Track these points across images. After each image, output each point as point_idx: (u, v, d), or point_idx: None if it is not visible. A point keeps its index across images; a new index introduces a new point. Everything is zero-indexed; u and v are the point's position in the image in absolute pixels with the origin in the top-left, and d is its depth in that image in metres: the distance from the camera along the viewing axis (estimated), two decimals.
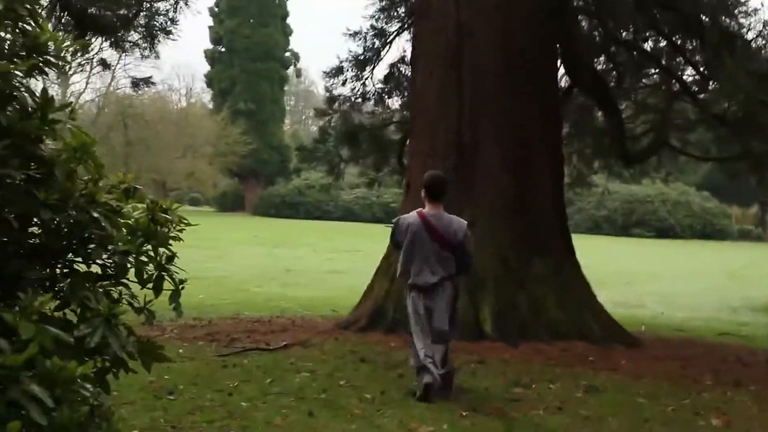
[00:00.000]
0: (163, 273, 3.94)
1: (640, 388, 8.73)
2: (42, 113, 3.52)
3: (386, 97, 14.92)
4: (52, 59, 3.61)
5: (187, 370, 8.75)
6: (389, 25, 14.72)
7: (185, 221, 4.03)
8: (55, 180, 3.55)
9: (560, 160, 12.46)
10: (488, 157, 11.33)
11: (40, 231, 3.66)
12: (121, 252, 3.77)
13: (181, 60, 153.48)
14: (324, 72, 14.83)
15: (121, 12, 12.73)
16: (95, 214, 3.63)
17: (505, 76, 11.39)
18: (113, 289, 3.87)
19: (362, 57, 14.56)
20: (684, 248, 45.00)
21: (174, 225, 4.00)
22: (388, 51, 14.46)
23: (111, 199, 3.81)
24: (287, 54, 78.04)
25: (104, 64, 13.39)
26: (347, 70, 14.73)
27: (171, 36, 13.19)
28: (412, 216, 8.22)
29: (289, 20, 77.79)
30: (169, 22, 13.08)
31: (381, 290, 11.56)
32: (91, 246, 3.72)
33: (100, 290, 3.75)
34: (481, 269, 11.05)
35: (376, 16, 14.62)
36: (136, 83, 14.91)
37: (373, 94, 15.01)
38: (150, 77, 14.90)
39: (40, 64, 3.59)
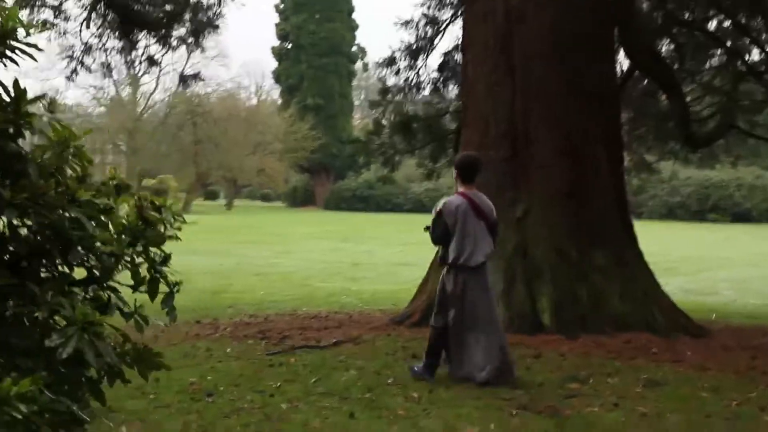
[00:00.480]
0: (156, 275, 3.69)
1: (704, 381, 8.30)
2: (15, 106, 3.31)
3: (441, 86, 14.65)
4: (23, 47, 3.38)
5: (232, 369, 8.61)
6: (441, 12, 14.43)
7: (180, 218, 3.79)
8: (27, 178, 3.34)
9: (619, 146, 12.03)
10: (542, 145, 10.99)
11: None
12: (105, 253, 3.55)
13: (251, 57, 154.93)
14: (376, 62, 14.61)
15: (167, 8, 12.62)
16: (74, 214, 3.41)
17: (558, 62, 11.03)
18: (102, 293, 3.66)
19: (415, 46, 14.28)
20: (760, 233, 43.74)
21: (171, 224, 3.77)
22: (441, 39, 14.17)
23: (99, 197, 3.59)
24: (354, 49, 77.92)
25: (151, 61, 13.27)
26: (400, 60, 14.48)
27: (217, 30, 13.08)
28: (456, 198, 8.22)
29: (354, 15, 77.66)
30: (215, 16, 12.95)
31: (435, 284, 11.27)
32: (72, 248, 3.49)
33: (83, 295, 3.54)
34: (538, 260, 10.74)
35: (428, 4, 14.35)
36: (184, 80, 14.80)
37: (428, 84, 14.75)
38: (198, 73, 14.81)
39: (7, 51, 3.37)
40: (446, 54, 14.55)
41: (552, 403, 7.36)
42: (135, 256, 3.73)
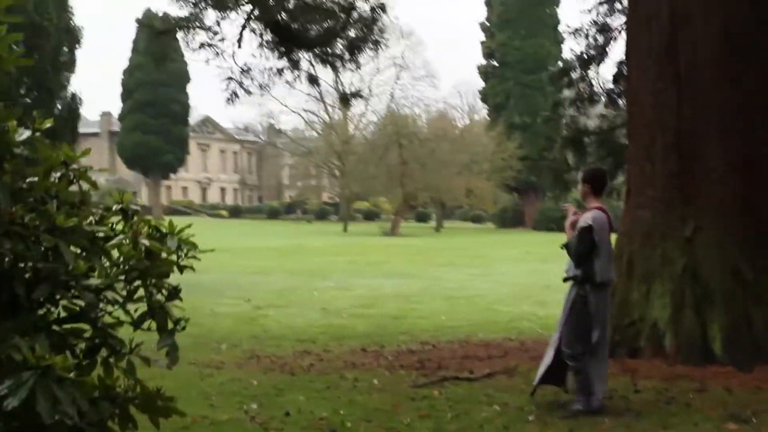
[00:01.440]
0: (159, 311, 3.35)
1: None
2: None
3: (616, 97, 13.81)
4: None
5: (370, 403, 8.27)
6: (611, 18, 13.64)
7: (190, 246, 3.43)
8: None
9: None
10: (711, 157, 10.08)
11: None
12: (89, 288, 3.24)
13: (462, 78, 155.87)
14: (548, 75, 13.95)
15: (327, 24, 12.50)
16: (47, 244, 3.11)
17: (727, 66, 10.09)
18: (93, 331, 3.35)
19: (585, 56, 13.56)
20: None
21: (183, 252, 3.42)
22: (613, 48, 13.38)
23: (103, 223, 3.29)
24: (560, 63, 76.70)
25: (312, 80, 13.17)
26: (572, 71, 13.79)
27: (379, 46, 12.83)
28: (599, 213, 7.88)
29: (560, 28, 76.43)
30: (377, 32, 12.71)
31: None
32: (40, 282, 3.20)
33: (52, 335, 3.23)
34: (709, 283, 9.83)
35: (597, 11, 13.61)
36: (345, 98, 14.64)
37: (602, 95, 13.97)
38: (359, 91, 14.61)
39: None
40: (621, 63, 13.73)
41: None
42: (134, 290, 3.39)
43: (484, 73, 77.97)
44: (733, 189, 10.01)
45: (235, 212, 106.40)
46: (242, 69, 12.47)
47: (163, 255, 3.47)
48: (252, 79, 12.60)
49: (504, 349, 12.03)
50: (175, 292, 3.50)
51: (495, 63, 76.71)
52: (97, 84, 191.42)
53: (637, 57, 10.74)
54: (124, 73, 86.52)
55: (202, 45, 12.05)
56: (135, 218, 3.52)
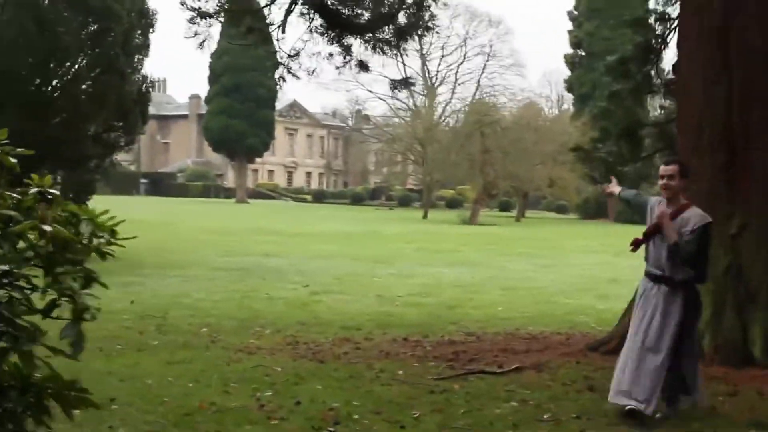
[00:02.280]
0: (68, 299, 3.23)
1: None
2: None
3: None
4: None
5: (387, 395, 8.15)
6: (671, 7, 13.17)
7: (106, 234, 3.30)
8: None
9: None
10: (763, 152, 9.63)
11: None
12: None
13: (553, 67, 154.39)
14: (604, 65, 13.60)
15: (380, 10, 12.31)
16: None
17: None
18: None
19: (645, 45, 13.14)
20: None
21: (99, 239, 3.30)
22: (673, 38, 12.88)
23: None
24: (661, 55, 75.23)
25: (362, 66, 13.00)
26: (630, 62, 13.37)
27: (430, 32, 12.61)
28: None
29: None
30: (428, 17, 12.48)
31: None
32: None
33: None
34: (753, 283, 9.44)
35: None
36: (394, 86, 14.47)
37: (662, 87, 13.53)
38: (409, 77, 14.43)
39: None
40: None
41: None
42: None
43: (571, 62, 76.99)
44: None
45: (319, 197, 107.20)
46: (289, 54, 12.39)
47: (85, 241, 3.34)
48: (300, 64, 12.51)
49: (546, 343, 11.75)
50: (90, 279, 3.36)
51: (582, 53, 75.63)
52: (189, 66, 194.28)
53: (688, 44, 10.33)
54: (211, 57, 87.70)
55: (249, 29, 12.00)
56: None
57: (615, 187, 8.23)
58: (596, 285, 21.45)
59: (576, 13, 76.72)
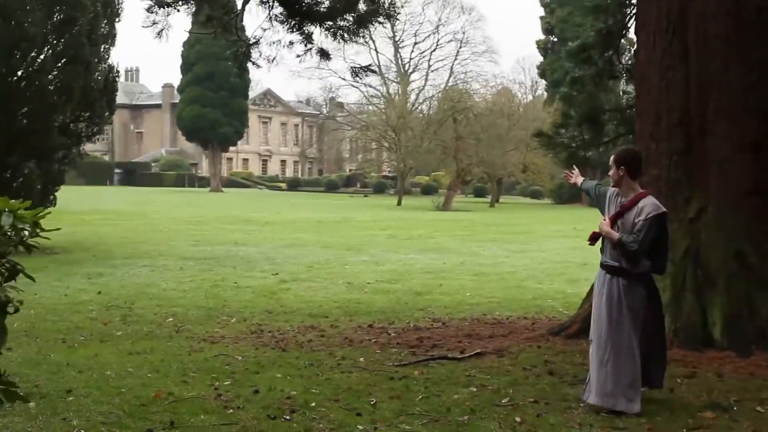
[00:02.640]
0: None
1: None
2: None
3: None
4: None
5: (345, 382, 8.15)
6: None
7: (26, 225, 3.29)
8: None
9: None
10: (720, 138, 9.68)
11: None
12: None
13: (525, 54, 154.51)
14: (566, 51, 13.64)
15: None
16: None
17: (739, 42, 9.65)
18: None
19: (604, 31, 13.18)
20: None
21: (20, 229, 3.28)
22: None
23: None
24: (622, 41, 75.34)
25: (323, 54, 12.97)
26: (591, 48, 13.42)
27: (391, 20, 12.60)
28: (654, 199, 7.42)
29: None
30: (389, 4, 12.47)
31: None
32: None
33: None
34: (711, 266, 9.52)
35: None
36: (356, 72, 14.42)
37: (623, 72, 13.60)
38: (370, 65, 14.40)
39: None
40: None
41: None
42: None
43: (544, 48, 77.15)
44: (741, 171, 9.61)
45: (294, 185, 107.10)
46: (248, 42, 12.35)
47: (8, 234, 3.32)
48: (260, 52, 12.46)
49: (511, 328, 11.81)
50: (14, 272, 3.35)
51: (554, 39, 75.80)
52: (162, 55, 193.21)
53: (645, 31, 10.36)
54: (183, 46, 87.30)
55: (209, 18, 11.97)
56: None
57: (578, 178, 8.21)
58: (567, 270, 21.53)
59: None
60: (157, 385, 7.80)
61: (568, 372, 8.54)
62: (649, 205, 7.14)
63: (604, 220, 7.32)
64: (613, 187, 7.45)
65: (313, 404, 7.24)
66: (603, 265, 7.40)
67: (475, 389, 7.87)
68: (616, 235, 7.13)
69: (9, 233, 3.26)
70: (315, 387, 7.89)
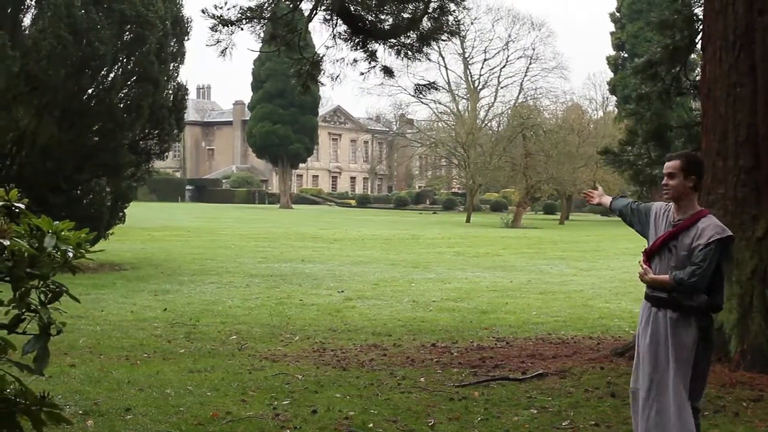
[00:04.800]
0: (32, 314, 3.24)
1: None
2: None
3: None
4: None
5: (404, 403, 8.15)
6: (699, 8, 12.99)
7: (74, 247, 3.30)
8: None
9: None
10: None
11: None
12: None
13: (595, 69, 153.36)
14: (632, 67, 13.48)
15: (405, 15, 12.30)
16: None
17: None
18: None
19: (671, 46, 12.98)
20: None
21: (62, 251, 3.30)
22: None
23: None
24: (692, 56, 74.34)
25: (387, 72, 13.00)
26: (658, 64, 13.23)
27: (455, 36, 12.58)
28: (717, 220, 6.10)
29: None
30: (453, 21, 12.47)
31: None
32: None
33: None
34: None
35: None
36: (419, 89, 14.42)
37: (691, 88, 13.37)
38: (434, 82, 14.37)
39: None
40: None
41: None
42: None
43: (614, 64, 76.41)
44: None
45: (364, 201, 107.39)
46: (311, 60, 12.43)
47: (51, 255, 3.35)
48: (323, 70, 12.54)
49: (576, 348, 11.67)
50: (58, 294, 3.37)
51: (624, 54, 75.09)
52: (233, 73, 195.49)
53: (712, 47, 10.18)
54: (254, 63, 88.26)
55: (272, 36, 12.08)
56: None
57: (603, 198, 6.86)
58: (635, 288, 21.14)
59: (618, 14, 76.19)
60: (216, 404, 7.84)
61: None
62: (711, 226, 5.77)
63: (643, 266, 6.02)
64: (671, 200, 5.96)
65: (371, 425, 7.22)
66: (648, 297, 6.08)
67: (535, 411, 7.78)
68: (666, 278, 5.81)
69: (53, 254, 3.29)
70: (373, 407, 7.86)
